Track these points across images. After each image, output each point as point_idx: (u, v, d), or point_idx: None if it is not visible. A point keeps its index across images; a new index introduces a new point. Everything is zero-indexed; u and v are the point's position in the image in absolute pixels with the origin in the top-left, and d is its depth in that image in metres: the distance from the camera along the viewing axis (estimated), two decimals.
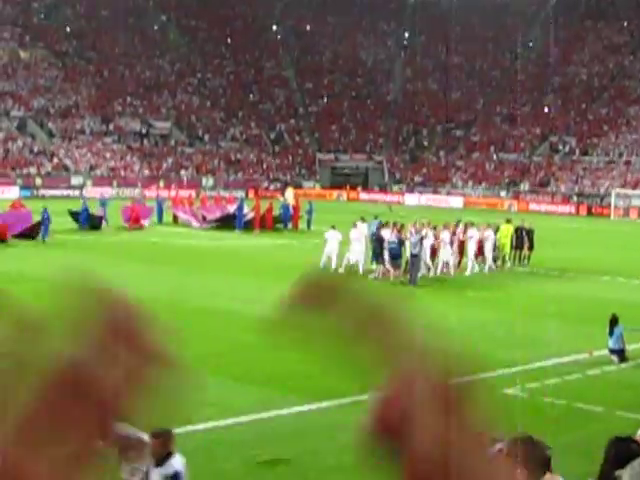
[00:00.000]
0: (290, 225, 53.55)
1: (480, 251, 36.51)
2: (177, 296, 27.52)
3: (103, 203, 53.26)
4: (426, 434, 0.80)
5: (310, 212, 53.48)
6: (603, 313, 22.30)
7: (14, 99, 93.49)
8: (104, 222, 51.33)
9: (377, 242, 33.61)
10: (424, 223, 35.78)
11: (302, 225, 53.42)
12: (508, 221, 39.91)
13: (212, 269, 34.78)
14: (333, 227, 35.91)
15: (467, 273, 35.37)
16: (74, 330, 0.82)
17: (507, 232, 38.61)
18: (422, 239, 32.91)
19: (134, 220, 51.83)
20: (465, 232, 36.32)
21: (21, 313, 0.81)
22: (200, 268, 34.94)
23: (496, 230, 38.16)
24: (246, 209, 53.75)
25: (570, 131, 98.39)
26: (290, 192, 64.21)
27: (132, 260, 36.86)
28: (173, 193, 69.11)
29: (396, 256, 33.01)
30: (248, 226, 51.07)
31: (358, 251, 34.55)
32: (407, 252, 33.10)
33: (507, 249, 38.56)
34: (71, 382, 0.81)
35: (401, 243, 32.98)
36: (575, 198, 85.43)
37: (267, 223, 52.62)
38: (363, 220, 37.18)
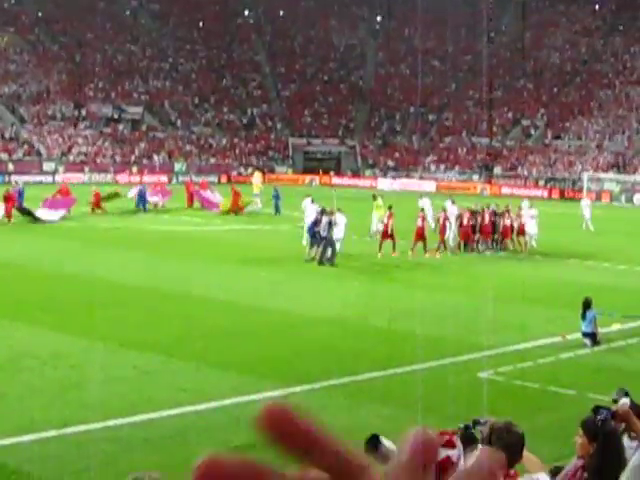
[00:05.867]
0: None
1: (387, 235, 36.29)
2: (151, 282, 27.39)
3: None
4: None
5: (277, 197, 53.25)
6: (575, 296, 22.37)
7: None
8: None
9: (313, 226, 35.09)
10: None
11: (270, 210, 53.19)
12: (531, 206, 40.65)
13: (184, 255, 34.65)
14: (339, 210, 36.10)
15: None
16: None
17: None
18: (330, 223, 34.15)
19: None
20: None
21: None
22: (173, 254, 34.81)
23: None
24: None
25: (542, 115, 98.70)
26: (258, 177, 63.56)
27: (104, 246, 36.70)
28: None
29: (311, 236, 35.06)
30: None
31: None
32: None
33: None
34: None
35: (315, 224, 34.83)
36: (547, 182, 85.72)
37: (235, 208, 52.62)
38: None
